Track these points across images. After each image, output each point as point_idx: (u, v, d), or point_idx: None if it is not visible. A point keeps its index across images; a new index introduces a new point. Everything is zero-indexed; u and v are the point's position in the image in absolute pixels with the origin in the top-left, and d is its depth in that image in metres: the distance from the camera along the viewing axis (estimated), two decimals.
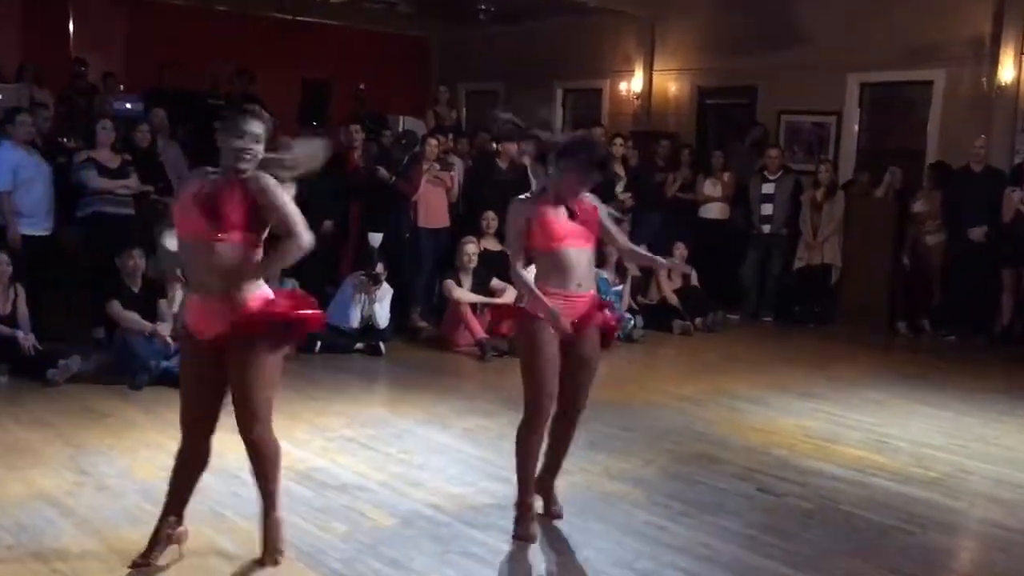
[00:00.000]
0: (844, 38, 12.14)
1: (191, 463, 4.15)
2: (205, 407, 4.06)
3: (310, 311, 4.03)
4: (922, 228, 10.80)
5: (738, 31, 13.24)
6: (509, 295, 9.37)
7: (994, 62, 11.04)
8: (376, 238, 9.18)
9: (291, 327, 3.99)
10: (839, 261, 11.27)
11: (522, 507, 4.65)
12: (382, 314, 8.98)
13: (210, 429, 4.11)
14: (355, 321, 8.88)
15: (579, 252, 4.57)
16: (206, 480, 4.16)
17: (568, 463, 5.34)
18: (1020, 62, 10.91)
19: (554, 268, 4.55)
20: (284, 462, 4.24)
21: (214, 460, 4.23)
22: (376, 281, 8.90)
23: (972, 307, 10.57)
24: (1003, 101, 10.97)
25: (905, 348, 10.40)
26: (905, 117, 12.20)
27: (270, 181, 3.87)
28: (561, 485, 5.34)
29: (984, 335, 10.43)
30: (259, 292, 3.94)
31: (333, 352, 8.63)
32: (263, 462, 4.11)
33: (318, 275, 8.97)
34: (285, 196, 3.88)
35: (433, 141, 10.25)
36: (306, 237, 3.87)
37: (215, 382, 4.01)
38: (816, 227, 11.20)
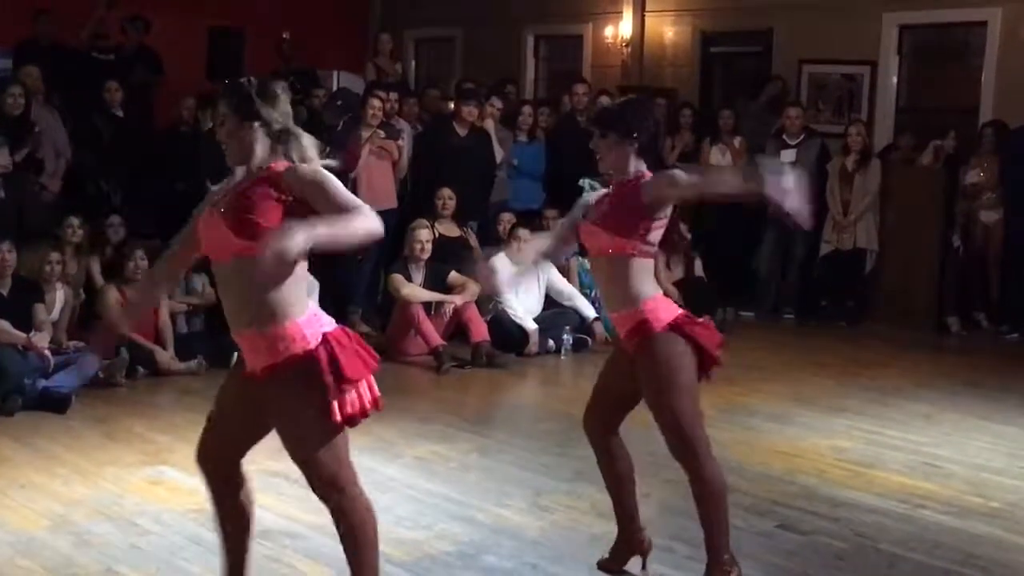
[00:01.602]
0: None
1: None
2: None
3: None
4: (976, 202, 10.87)
5: None
6: (470, 292, 9.37)
7: None
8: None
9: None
10: (875, 244, 11.31)
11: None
12: None
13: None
14: None
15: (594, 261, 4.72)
16: (102, 528, 4.09)
17: (546, 498, 5.35)
18: None
19: None
20: (192, 503, 4.19)
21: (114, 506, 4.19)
22: None
23: None
24: None
25: (958, 350, 10.47)
26: (954, 67, 12.27)
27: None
28: (536, 525, 5.34)
29: None
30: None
31: None
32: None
33: None
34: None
35: (375, 101, 10.21)
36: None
37: None
38: (847, 203, 11.24)
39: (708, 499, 4.50)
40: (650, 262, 4.53)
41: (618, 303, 4.55)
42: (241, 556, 4.15)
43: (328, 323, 3.86)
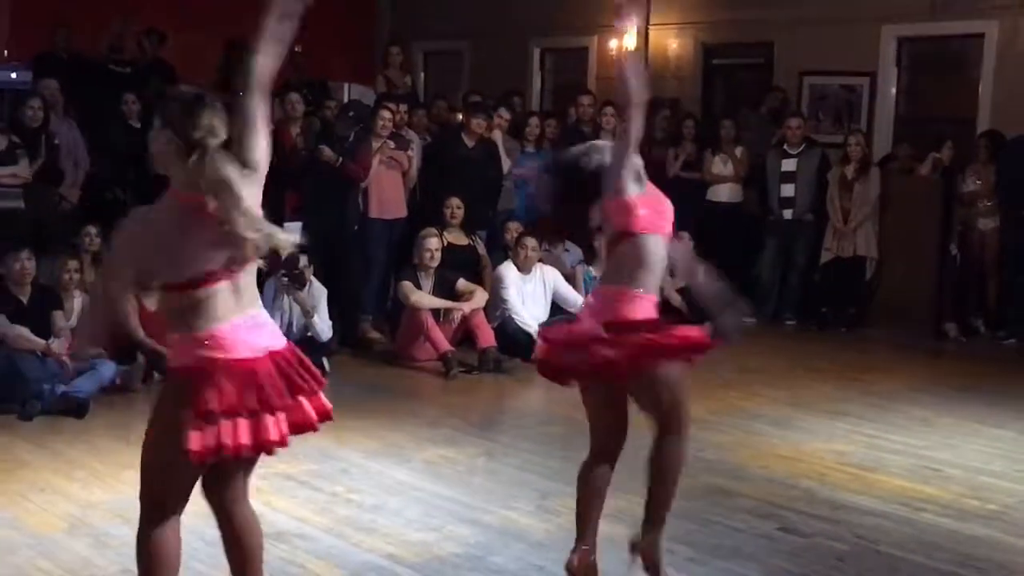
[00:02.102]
0: None
1: None
2: None
3: None
4: (973, 210, 10.86)
5: None
6: (478, 299, 9.37)
7: None
8: (294, 228, 9.06)
9: None
10: (875, 252, 11.31)
11: None
12: (322, 325, 8.93)
13: None
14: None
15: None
16: (119, 530, 4.08)
17: (552, 501, 5.34)
18: None
19: None
20: (205, 505, 4.12)
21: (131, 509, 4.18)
22: (298, 282, 8.77)
23: None
24: None
25: (956, 355, 10.45)
26: (952, 78, 12.26)
27: None
28: (542, 527, 5.34)
29: None
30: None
31: None
32: None
33: None
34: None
35: (386, 113, 10.22)
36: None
37: None
38: (847, 211, 11.24)
39: None
40: None
41: None
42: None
43: (252, 348, 3.55)
